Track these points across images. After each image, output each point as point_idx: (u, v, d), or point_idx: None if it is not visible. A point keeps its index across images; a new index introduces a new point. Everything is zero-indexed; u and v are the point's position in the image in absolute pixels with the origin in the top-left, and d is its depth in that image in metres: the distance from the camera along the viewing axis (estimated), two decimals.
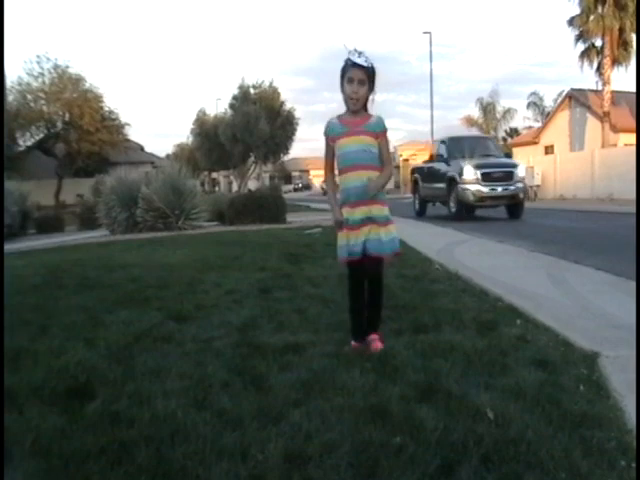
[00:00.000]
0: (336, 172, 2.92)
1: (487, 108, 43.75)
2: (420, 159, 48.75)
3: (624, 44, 24.84)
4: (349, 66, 2.77)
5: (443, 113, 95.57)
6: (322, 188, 43.60)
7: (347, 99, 2.76)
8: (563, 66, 70.13)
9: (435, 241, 7.73)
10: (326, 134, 2.85)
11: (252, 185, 34.45)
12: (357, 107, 2.79)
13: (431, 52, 33.96)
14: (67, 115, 26.55)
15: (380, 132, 2.81)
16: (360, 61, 2.77)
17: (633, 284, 4.03)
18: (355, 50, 2.81)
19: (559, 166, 25.22)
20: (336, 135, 2.80)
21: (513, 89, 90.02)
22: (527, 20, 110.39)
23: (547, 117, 34.88)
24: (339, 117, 2.83)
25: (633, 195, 16.22)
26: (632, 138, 22.84)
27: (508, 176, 12.26)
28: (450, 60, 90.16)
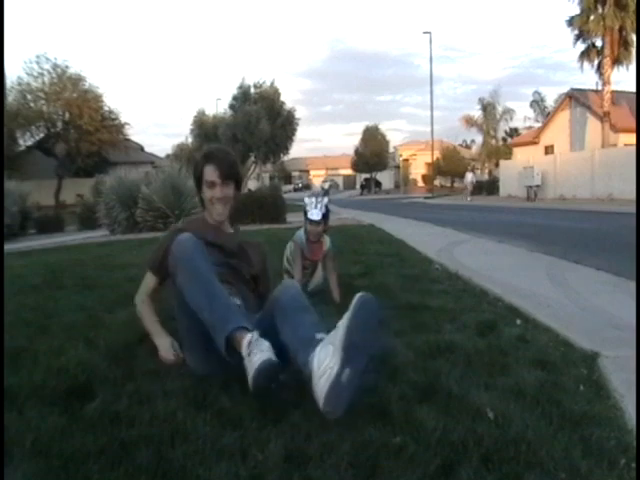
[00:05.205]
0: None
1: (487, 108, 43.77)
2: (420, 159, 48.80)
3: (625, 43, 24.85)
4: (308, 219, 3.37)
5: (449, 114, 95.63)
6: (322, 188, 43.52)
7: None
8: (569, 68, 70.46)
9: (435, 241, 7.73)
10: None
11: (252, 185, 34.41)
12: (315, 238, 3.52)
13: (431, 51, 34.11)
14: (67, 115, 26.57)
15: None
16: (316, 217, 3.33)
17: (633, 284, 4.03)
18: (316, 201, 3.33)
19: (559, 166, 25.22)
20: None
21: (519, 91, 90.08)
22: (533, 22, 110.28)
23: (547, 117, 34.87)
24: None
25: (633, 195, 16.23)
26: (632, 138, 22.86)
27: None
28: (458, 62, 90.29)
